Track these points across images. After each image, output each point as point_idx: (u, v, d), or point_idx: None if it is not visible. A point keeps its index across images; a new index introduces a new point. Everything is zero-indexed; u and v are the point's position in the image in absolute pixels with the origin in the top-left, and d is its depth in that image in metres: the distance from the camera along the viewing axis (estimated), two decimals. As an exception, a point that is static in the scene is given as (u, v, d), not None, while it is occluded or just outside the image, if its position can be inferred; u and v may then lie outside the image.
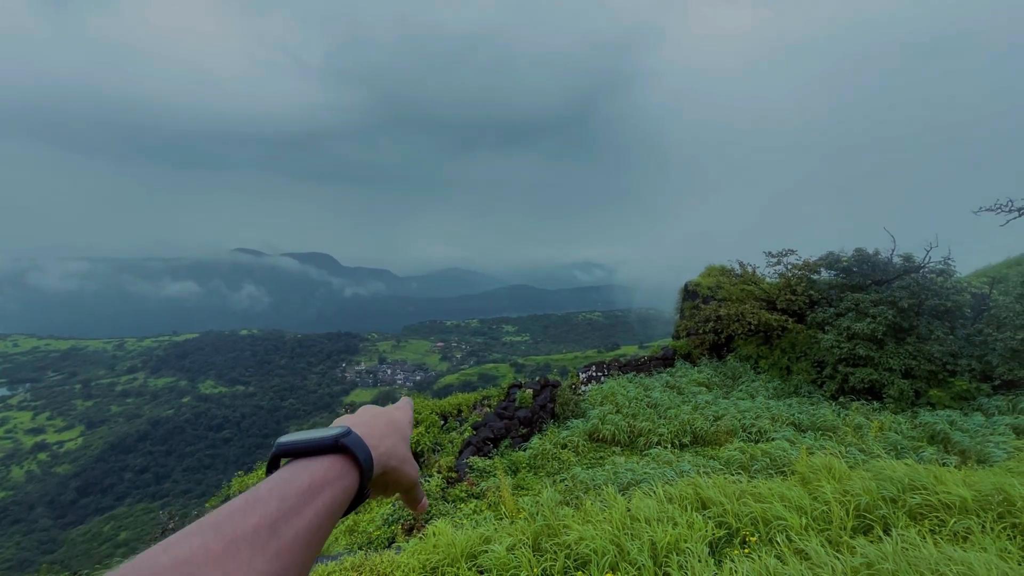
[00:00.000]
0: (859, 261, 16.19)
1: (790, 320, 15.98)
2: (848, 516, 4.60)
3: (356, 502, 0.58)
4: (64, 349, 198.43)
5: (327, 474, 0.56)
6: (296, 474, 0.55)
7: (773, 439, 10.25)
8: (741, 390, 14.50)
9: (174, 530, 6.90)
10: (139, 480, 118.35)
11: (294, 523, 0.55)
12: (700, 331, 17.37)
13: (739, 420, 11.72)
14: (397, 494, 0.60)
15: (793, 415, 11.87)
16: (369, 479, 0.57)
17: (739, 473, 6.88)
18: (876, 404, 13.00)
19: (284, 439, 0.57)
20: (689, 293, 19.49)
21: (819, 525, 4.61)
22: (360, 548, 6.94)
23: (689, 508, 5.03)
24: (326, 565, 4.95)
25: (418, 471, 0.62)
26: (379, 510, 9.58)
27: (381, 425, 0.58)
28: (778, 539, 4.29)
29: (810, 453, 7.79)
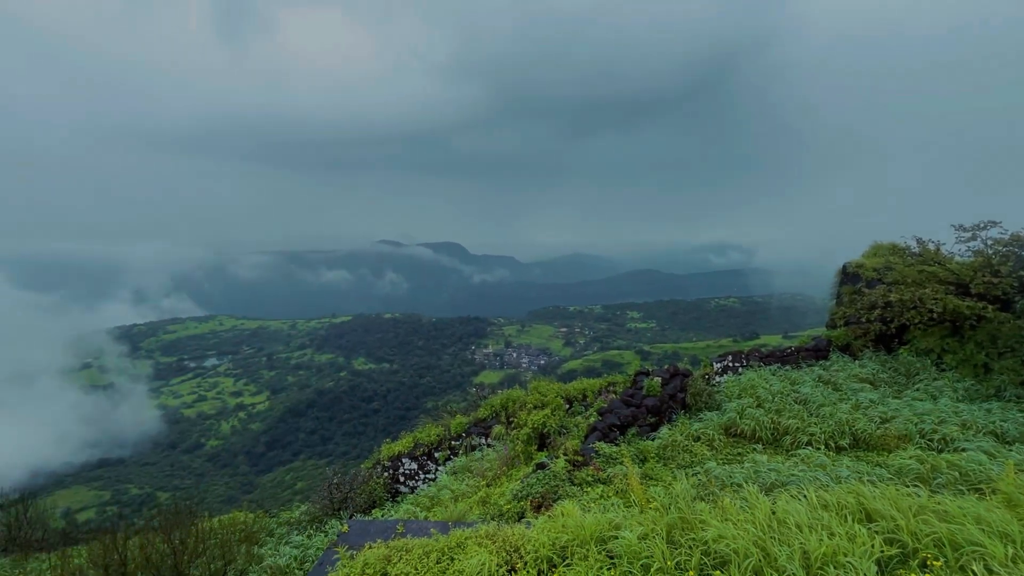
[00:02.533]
0: (1098, 233, 12.64)
1: (989, 307, 13.09)
2: (1079, 552, 3.67)
3: None
4: (254, 328, 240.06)
5: None
6: None
7: (963, 449, 8.57)
8: (918, 389, 12.32)
9: (338, 485, 7.98)
10: (309, 440, 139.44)
11: None
12: (863, 319, 15.08)
13: (915, 424, 9.99)
14: None
15: (993, 423, 9.77)
16: None
17: (916, 485, 5.87)
18: (1123, 416, 10.13)
19: None
20: (849, 276, 16.99)
21: (1034, 558, 3.76)
22: (493, 519, 7.35)
23: (850, 518, 4.44)
24: (463, 531, 5.32)
25: None
26: (509, 485, 10.04)
27: None
28: (973, 568, 3.59)
29: (1020, 470, 6.36)
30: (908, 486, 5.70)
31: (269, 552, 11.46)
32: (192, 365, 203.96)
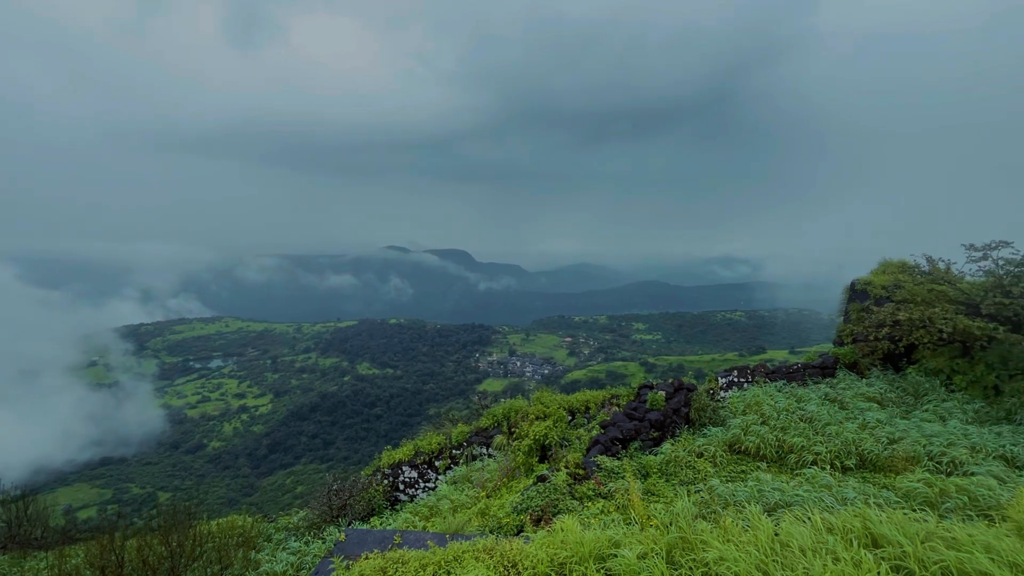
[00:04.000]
0: (1113, 255, 12.46)
1: (1001, 328, 12.91)
2: (1094, 586, 3.56)
3: None
4: (259, 330, 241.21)
5: None
6: None
7: (973, 474, 8.40)
8: (926, 410, 12.12)
9: (338, 491, 7.94)
10: (311, 444, 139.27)
11: None
12: (871, 337, 14.90)
13: (923, 446, 9.81)
14: None
15: (1004, 446, 9.57)
16: None
17: (924, 510, 5.76)
18: None
19: None
20: (857, 293, 16.83)
21: (1046, 591, 3.65)
22: (491, 532, 7.26)
23: (855, 543, 4.34)
24: (461, 543, 5.25)
25: None
26: (509, 497, 9.94)
27: None
28: (983, 600, 3.49)
29: (1030, 497, 6.23)
30: (916, 510, 5.58)
31: (266, 558, 11.39)
32: (197, 366, 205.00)
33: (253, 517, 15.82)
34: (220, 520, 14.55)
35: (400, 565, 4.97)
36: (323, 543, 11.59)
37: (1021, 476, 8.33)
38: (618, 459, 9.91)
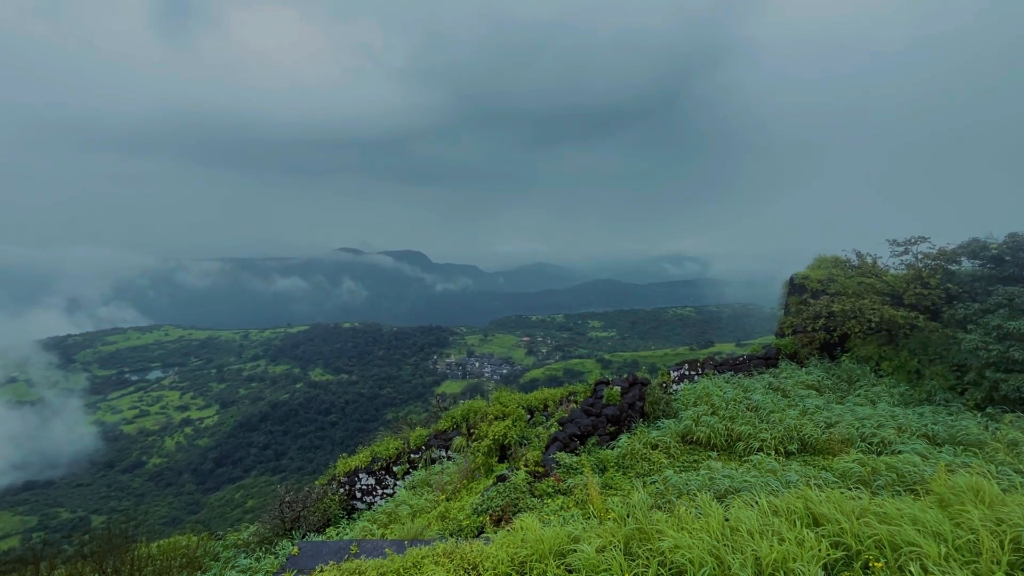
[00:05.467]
0: (1014, 248, 13.78)
1: (921, 317, 14.03)
2: (1003, 549, 3.91)
3: None
4: (203, 338, 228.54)
5: None
6: None
7: (900, 452, 9.07)
8: (859, 395, 13.01)
9: (290, 503, 7.58)
10: (262, 455, 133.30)
11: None
12: (808, 328, 15.83)
13: (857, 428, 10.51)
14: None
15: (926, 426, 10.41)
16: None
17: (858, 488, 6.15)
18: (1037, 417, 11.00)
19: None
20: (795, 287, 17.83)
21: (963, 556, 3.98)
22: (451, 535, 7.18)
23: (798, 523, 4.58)
24: (420, 549, 5.16)
25: None
26: (469, 499, 9.87)
27: None
28: (911, 568, 3.76)
29: (949, 471, 6.77)
30: (851, 489, 5.97)
31: (213, 577, 10.80)
32: (133, 378, 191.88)
33: (199, 536, 14.96)
34: (162, 541, 13.68)
35: (357, 575, 4.82)
36: (275, 558, 11.11)
37: (941, 452, 9.06)
38: (576, 455, 10.04)
